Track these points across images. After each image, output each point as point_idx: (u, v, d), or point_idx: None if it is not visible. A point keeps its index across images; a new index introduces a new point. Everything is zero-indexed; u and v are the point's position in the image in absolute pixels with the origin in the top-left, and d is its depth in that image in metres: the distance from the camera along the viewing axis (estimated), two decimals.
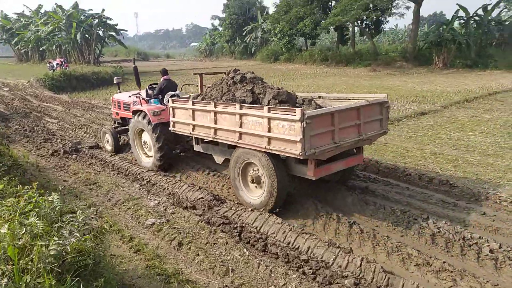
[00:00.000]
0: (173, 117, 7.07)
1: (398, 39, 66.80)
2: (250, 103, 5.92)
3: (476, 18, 33.25)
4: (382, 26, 42.12)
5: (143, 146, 8.34)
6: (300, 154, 4.89)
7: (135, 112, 8.22)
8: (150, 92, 8.45)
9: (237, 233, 4.99)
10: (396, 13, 38.15)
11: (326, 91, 18.81)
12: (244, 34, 57.00)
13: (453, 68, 30.10)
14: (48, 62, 27.68)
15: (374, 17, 35.73)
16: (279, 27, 45.33)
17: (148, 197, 6.24)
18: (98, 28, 33.59)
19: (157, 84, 8.55)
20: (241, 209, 5.61)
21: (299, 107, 5.95)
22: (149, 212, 5.68)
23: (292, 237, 4.72)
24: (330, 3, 40.86)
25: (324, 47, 51.30)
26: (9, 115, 14.17)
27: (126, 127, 8.99)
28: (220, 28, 71.85)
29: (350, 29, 42.03)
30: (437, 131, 10.11)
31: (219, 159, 6.78)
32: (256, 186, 5.94)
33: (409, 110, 12.83)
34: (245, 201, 5.99)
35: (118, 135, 9.36)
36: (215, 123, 6.09)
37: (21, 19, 45.70)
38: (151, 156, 8.04)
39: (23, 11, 47.61)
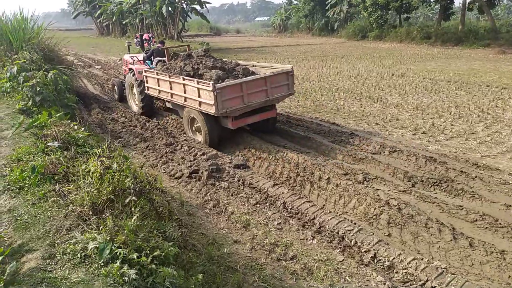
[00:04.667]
0: (147, 83, 9.26)
1: (496, 15, 58.12)
2: (192, 75, 7.91)
3: None
4: None
5: (133, 97, 10.70)
6: (215, 113, 7.08)
7: (130, 70, 10.56)
8: (145, 56, 10.54)
9: None
10: None
11: (472, 79, 14.73)
12: (326, 8, 52.11)
13: None
14: (136, 37, 25.91)
15: None
16: None
17: None
18: (182, 0, 31.33)
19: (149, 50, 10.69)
20: None
21: (235, 75, 7.96)
22: None
23: None
24: None
25: (422, 23, 45.24)
26: (110, 102, 12.07)
27: None
28: (295, 2, 67.18)
29: (461, 0, 35.86)
30: None
31: (181, 114, 8.72)
32: (199, 133, 8.17)
33: None
34: (194, 140, 8.19)
35: (123, 88, 11.58)
36: (171, 89, 8.19)
37: None
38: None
39: None
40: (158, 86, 8.73)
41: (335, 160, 7.33)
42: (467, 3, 34.88)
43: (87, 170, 3.79)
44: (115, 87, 12.09)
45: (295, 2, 66.78)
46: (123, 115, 10.54)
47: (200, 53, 8.76)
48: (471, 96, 12.06)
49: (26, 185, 3.79)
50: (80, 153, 4.44)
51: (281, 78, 7.96)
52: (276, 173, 6.86)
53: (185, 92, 7.76)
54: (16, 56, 10.18)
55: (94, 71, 18.45)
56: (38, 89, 7.26)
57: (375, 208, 5.30)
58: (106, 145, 4.26)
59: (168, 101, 8.97)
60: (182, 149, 7.78)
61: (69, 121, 5.22)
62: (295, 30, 65.27)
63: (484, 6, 32.29)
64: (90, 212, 3.09)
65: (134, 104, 10.71)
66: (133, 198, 3.12)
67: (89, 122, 9.64)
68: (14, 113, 6.86)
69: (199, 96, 7.31)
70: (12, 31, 10.63)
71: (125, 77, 11.52)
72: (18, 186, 3.80)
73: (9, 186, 3.83)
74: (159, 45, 10.55)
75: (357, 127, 9.14)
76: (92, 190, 3.19)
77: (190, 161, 7.04)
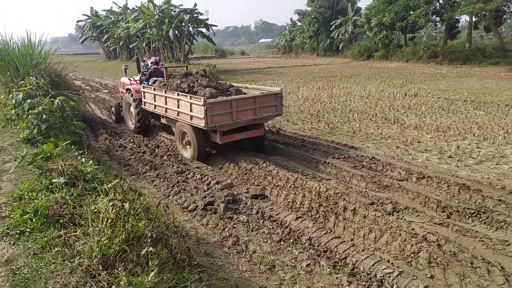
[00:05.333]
0: (144, 98, 9.80)
1: (500, 33, 58.15)
2: (187, 92, 8.31)
3: None
4: (505, 16, 35.40)
5: (130, 115, 11.25)
6: (204, 126, 7.48)
7: (127, 90, 11.12)
8: (142, 77, 10.93)
9: None
10: None
11: (489, 98, 14.30)
12: (331, 29, 52.45)
13: None
14: (143, 60, 25.92)
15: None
16: (375, 20, 40.38)
17: None
18: (189, 24, 31.50)
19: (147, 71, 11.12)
20: None
21: (228, 94, 8.39)
22: None
23: None
24: None
25: (426, 42, 45.23)
26: (117, 127, 11.74)
27: None
28: (299, 23, 67.85)
29: (467, 20, 35.85)
30: None
31: (174, 129, 9.11)
32: (189, 147, 8.60)
33: None
34: (182, 155, 8.68)
35: (120, 109, 12.10)
36: (166, 104, 8.75)
37: (110, 16, 45.74)
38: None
39: (111, 8, 47.85)
40: (154, 101, 9.25)
41: (358, 188, 6.84)
42: (473, 21, 34.82)
43: (96, 210, 3.37)
44: (113, 108, 12.72)
45: (299, 23, 67.51)
46: (131, 140, 10.18)
47: (199, 73, 9.39)
48: (491, 116, 11.60)
49: (28, 230, 3.35)
50: (88, 190, 4.01)
51: (270, 99, 8.37)
52: (296, 203, 6.38)
53: (178, 107, 8.22)
54: (22, 82, 9.93)
55: (101, 95, 18.27)
56: (44, 117, 6.92)
57: (412, 245, 4.77)
58: (117, 181, 3.83)
59: (162, 116, 9.53)
60: (195, 178, 7.35)
61: (77, 153, 4.83)
62: (300, 51, 65.72)
63: (491, 24, 32.17)
64: (100, 267, 2.63)
65: (131, 123, 11.24)
66: (150, 249, 2.66)
67: (96, 149, 9.28)
68: (18, 143, 6.49)
69: (191, 111, 7.74)
70: (19, 56, 10.43)
71: (121, 99, 11.92)
72: (19, 231, 3.36)
73: (8, 231, 3.39)
74: (155, 66, 11.12)
75: (377, 150, 8.68)
76: (102, 239, 2.74)
77: (204, 191, 6.59)
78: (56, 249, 2.95)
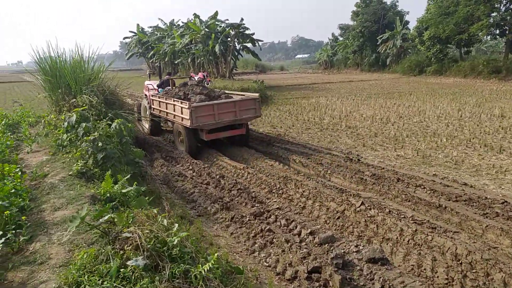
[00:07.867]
0: (152, 104, 11.77)
1: None
2: (183, 99, 9.82)
3: None
4: None
5: (146, 118, 12.86)
6: (190, 125, 9.02)
7: (145, 96, 13.35)
8: (158, 84, 12.96)
9: None
10: None
11: None
12: (377, 43, 50.28)
13: None
14: (190, 76, 25.23)
15: None
16: (429, 33, 37.93)
17: None
18: (235, 39, 30.66)
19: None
20: None
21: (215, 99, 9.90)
22: None
23: None
24: None
25: (479, 57, 42.00)
26: (173, 151, 10.52)
27: None
28: (341, 38, 66.11)
29: None
30: None
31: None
32: (183, 144, 10.04)
33: None
34: (179, 149, 10.17)
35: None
36: (166, 108, 10.40)
37: (156, 33, 46.15)
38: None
39: (157, 24, 48.39)
40: (159, 106, 10.97)
41: (501, 247, 5.07)
42: None
43: None
44: (135, 108, 13.87)
45: (341, 38, 65.81)
46: (190, 167, 8.89)
47: (194, 83, 11.03)
48: None
49: None
50: (177, 277, 2.58)
51: (249, 103, 9.74)
52: (424, 269, 4.70)
53: (174, 111, 9.79)
54: (74, 100, 8.97)
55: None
56: (100, 144, 5.72)
57: None
58: (215, 257, 2.37)
59: (166, 120, 11.11)
60: (278, 223, 5.85)
61: (156, 210, 3.47)
62: (342, 66, 63.76)
63: None
64: None
65: (147, 124, 12.96)
66: None
67: (154, 178, 8.05)
68: (71, 178, 5.28)
69: (181, 113, 9.29)
70: (71, 72, 9.53)
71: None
72: None
73: None
74: (167, 76, 13.14)
75: (500, 190, 6.84)
76: None
77: (297, 245, 5.06)
78: None
